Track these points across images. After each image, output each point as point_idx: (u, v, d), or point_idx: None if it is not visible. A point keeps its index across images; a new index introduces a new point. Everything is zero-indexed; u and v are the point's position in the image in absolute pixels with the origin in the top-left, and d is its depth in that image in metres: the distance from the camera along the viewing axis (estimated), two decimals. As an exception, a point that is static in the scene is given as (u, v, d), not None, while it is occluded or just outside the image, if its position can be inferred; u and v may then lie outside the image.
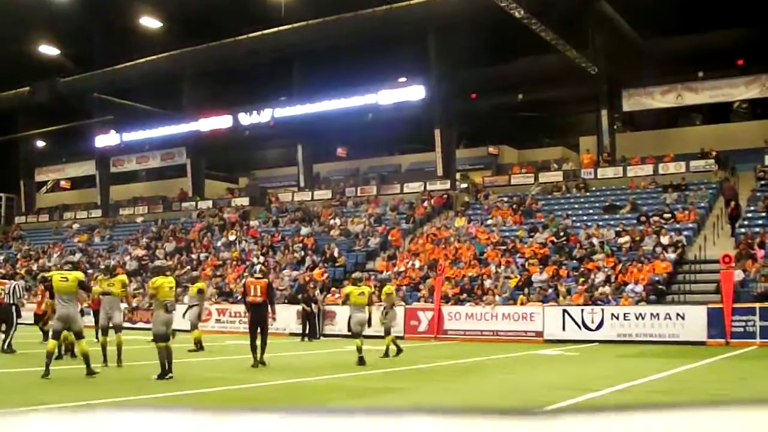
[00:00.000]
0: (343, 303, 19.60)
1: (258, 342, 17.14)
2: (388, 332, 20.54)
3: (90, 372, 14.05)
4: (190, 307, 22.03)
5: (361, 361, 17.57)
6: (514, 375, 16.76)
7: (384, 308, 21.42)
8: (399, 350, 19.76)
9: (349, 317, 18.98)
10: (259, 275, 18.52)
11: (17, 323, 21.54)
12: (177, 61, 48.78)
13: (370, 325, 18.60)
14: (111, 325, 17.29)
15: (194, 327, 22.03)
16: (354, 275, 22.09)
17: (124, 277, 18.59)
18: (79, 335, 14.49)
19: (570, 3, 37.07)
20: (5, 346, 20.52)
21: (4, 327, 21.27)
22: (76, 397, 11.53)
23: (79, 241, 51.96)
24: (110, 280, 17.67)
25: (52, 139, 63.09)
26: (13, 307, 21.07)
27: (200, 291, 22.08)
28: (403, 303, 30.67)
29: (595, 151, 41.80)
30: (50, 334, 14.81)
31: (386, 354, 19.82)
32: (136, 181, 64.05)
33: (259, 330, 17.31)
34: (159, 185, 61.25)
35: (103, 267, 15.43)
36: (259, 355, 17.04)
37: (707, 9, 36.65)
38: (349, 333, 19.65)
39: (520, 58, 41.91)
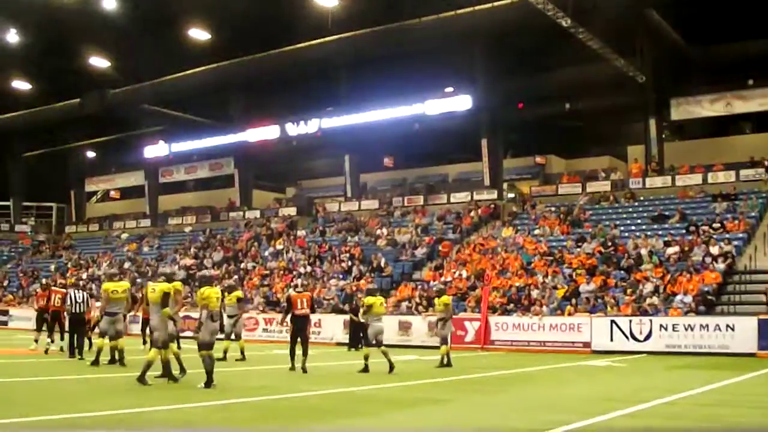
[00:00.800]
0: (364, 313, 19.61)
1: (299, 351, 18.32)
2: (445, 341, 20.59)
3: (209, 382, 14.16)
4: (230, 317, 22.00)
5: (366, 369, 18.31)
6: (561, 386, 16.68)
7: (440, 318, 21.31)
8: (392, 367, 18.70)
9: (366, 327, 19.42)
10: (300, 289, 20.27)
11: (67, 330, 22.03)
12: (225, 72, 49.08)
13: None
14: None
15: (238, 337, 22.17)
16: (369, 287, 23.45)
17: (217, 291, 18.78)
18: (160, 345, 14.81)
19: (617, 11, 36.75)
20: (74, 352, 21.11)
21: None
22: (126, 405, 11.66)
23: (128, 250, 52.53)
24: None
25: (102, 150, 63.87)
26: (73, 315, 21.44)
27: (239, 300, 22.19)
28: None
29: (643, 161, 41.47)
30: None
31: (443, 364, 19.89)
32: (184, 191, 64.61)
33: (299, 339, 18.65)
34: (207, 195, 61.79)
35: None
36: (301, 363, 18.01)
37: (756, 16, 36.17)
38: (364, 343, 19.72)
39: (567, 67, 41.65)
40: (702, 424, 11.08)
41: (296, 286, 21.49)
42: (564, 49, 37.93)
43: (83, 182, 65.18)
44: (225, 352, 21.24)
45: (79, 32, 46.86)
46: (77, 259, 53.30)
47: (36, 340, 24.19)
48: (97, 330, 20.58)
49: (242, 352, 21.85)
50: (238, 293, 22.61)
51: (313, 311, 19.77)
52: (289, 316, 19.09)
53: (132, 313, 20.49)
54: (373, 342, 18.78)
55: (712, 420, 11.56)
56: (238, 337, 22.17)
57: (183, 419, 10.69)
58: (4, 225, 64.00)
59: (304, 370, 17.88)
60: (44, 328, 24.10)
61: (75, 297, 21.49)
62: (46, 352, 22.89)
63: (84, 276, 45.42)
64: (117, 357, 18.76)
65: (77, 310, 21.11)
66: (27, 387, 14.47)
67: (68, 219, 65.19)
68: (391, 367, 18.16)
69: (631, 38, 39.58)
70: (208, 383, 14.04)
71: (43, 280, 37.21)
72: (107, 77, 52.22)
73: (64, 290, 23.19)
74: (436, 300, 21.69)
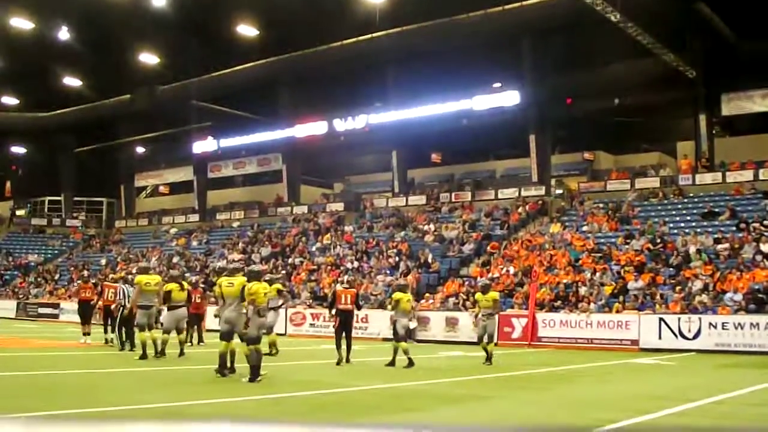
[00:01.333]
0: (393, 308, 19.66)
1: (344, 345, 18.98)
2: (491, 338, 20.51)
3: (254, 376, 14.25)
4: (271, 308, 22.02)
5: (411, 363, 18.30)
6: (609, 384, 16.63)
7: (485, 314, 20.97)
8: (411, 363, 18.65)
9: (395, 322, 19.34)
10: (346, 285, 20.28)
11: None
12: (273, 68, 49.41)
13: None
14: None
15: (270, 330, 22.17)
16: (399, 282, 23.46)
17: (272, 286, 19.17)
18: (243, 338, 14.91)
19: (666, 5, 36.51)
20: (125, 345, 21.57)
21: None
22: (173, 398, 11.80)
23: (177, 244, 53.00)
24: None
25: (152, 146, 64.47)
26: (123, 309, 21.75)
27: (279, 291, 22.23)
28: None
29: (693, 157, 41.12)
30: (219, 335, 15.34)
31: (488, 360, 19.85)
32: (232, 186, 65.09)
33: (344, 333, 19.13)
34: (255, 190, 62.22)
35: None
36: (345, 356, 18.86)
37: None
38: (396, 338, 19.62)
39: (616, 62, 41.43)
40: (751, 423, 10.98)
41: (343, 281, 21.36)
42: (613, 45, 37.67)
43: (133, 177, 65.88)
44: (271, 345, 21.36)
45: (129, 29, 47.43)
46: (127, 253, 53.89)
47: (87, 333, 24.52)
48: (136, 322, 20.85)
49: (272, 346, 21.46)
50: (278, 285, 22.76)
51: (358, 308, 20.18)
52: (334, 310, 19.29)
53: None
54: (407, 337, 19.01)
55: (762, 420, 11.46)
56: (270, 331, 22.18)
57: (231, 413, 10.78)
58: (56, 219, 64.92)
59: (347, 360, 18.84)
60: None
61: (126, 291, 21.83)
62: (106, 342, 23.30)
63: (134, 270, 45.88)
64: (158, 349, 19.02)
65: (127, 304, 21.37)
66: (77, 379, 14.68)
67: (118, 214, 65.96)
68: (410, 363, 18.34)
69: (681, 33, 39.28)
70: (253, 378, 14.15)
71: (84, 273, 37.73)
72: (156, 73, 52.78)
73: (116, 284, 23.51)
74: (479, 295, 21.33)
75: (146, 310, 19.14)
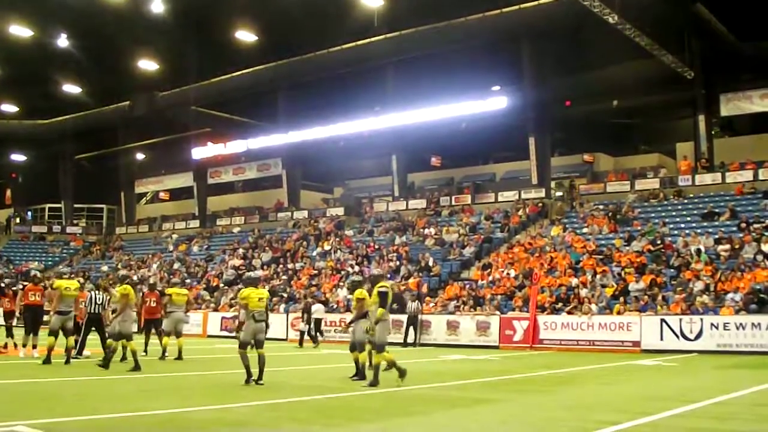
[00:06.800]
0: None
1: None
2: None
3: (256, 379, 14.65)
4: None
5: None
6: (611, 386, 16.60)
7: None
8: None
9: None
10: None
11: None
12: (272, 73, 49.46)
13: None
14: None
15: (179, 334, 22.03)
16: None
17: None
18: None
19: (664, 7, 36.52)
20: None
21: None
22: (175, 405, 11.78)
23: (177, 250, 53.02)
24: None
25: (152, 152, 64.61)
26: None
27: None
28: (498, 312, 30.64)
29: (692, 158, 41.16)
30: (239, 344, 15.35)
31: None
32: (232, 191, 65.15)
33: None
34: (255, 196, 62.30)
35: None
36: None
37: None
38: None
39: (615, 64, 41.46)
40: (754, 425, 10.97)
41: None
42: (611, 46, 37.70)
43: (133, 184, 65.92)
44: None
45: (128, 36, 47.58)
46: (128, 260, 53.92)
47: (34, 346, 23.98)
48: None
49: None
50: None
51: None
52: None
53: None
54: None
55: (764, 420, 11.45)
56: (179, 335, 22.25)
57: (232, 419, 10.78)
58: (56, 226, 64.97)
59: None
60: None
61: (94, 297, 21.07)
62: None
63: (135, 277, 45.89)
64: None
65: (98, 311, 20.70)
66: (75, 386, 14.63)
67: (118, 220, 66.01)
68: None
69: (680, 34, 39.37)
70: (248, 379, 14.60)
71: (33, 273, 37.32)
72: (156, 80, 52.87)
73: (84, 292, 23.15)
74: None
75: (63, 316, 19.00)
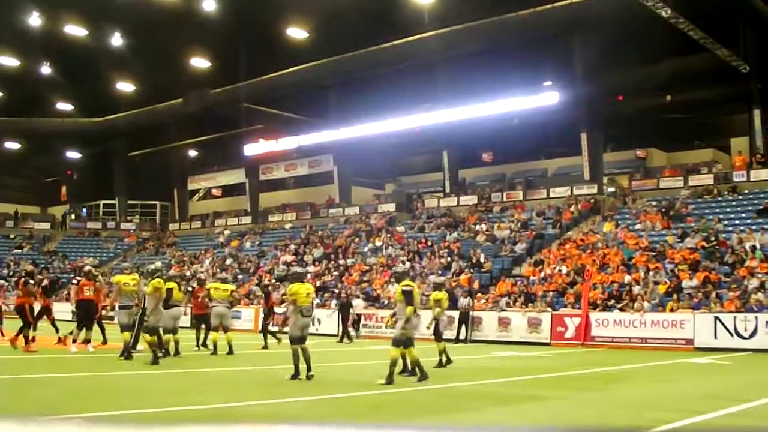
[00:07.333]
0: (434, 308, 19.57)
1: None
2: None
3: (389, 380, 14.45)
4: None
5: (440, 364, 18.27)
6: (663, 384, 16.47)
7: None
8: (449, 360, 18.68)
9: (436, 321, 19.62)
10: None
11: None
12: (323, 69, 49.57)
13: None
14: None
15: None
16: (437, 280, 23.55)
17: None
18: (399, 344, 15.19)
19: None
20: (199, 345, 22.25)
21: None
22: (227, 399, 11.88)
23: (230, 247, 53.40)
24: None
25: (204, 149, 65.16)
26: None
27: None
28: (550, 309, 30.51)
29: (747, 153, 40.63)
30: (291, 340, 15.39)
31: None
32: (284, 188, 65.42)
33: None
34: (307, 192, 62.52)
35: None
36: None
37: None
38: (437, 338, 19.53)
39: (668, 58, 41.04)
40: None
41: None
42: (665, 40, 37.35)
43: (186, 180, 66.52)
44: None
45: (180, 34, 47.90)
46: (181, 255, 54.41)
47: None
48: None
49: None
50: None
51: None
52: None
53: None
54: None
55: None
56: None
57: (284, 413, 10.85)
58: (110, 223, 65.72)
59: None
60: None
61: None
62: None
63: (187, 273, 46.30)
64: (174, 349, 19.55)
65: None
66: (130, 380, 14.83)
67: (171, 216, 66.72)
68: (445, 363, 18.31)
69: (734, 27, 38.83)
70: (295, 375, 14.62)
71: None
72: (208, 77, 53.21)
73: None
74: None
75: (128, 310, 19.14)
